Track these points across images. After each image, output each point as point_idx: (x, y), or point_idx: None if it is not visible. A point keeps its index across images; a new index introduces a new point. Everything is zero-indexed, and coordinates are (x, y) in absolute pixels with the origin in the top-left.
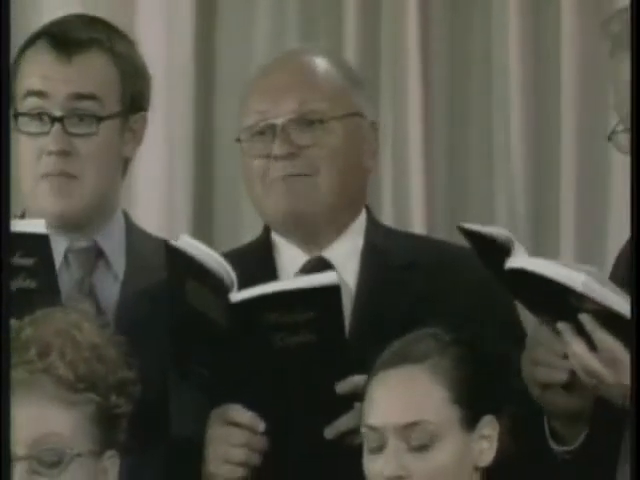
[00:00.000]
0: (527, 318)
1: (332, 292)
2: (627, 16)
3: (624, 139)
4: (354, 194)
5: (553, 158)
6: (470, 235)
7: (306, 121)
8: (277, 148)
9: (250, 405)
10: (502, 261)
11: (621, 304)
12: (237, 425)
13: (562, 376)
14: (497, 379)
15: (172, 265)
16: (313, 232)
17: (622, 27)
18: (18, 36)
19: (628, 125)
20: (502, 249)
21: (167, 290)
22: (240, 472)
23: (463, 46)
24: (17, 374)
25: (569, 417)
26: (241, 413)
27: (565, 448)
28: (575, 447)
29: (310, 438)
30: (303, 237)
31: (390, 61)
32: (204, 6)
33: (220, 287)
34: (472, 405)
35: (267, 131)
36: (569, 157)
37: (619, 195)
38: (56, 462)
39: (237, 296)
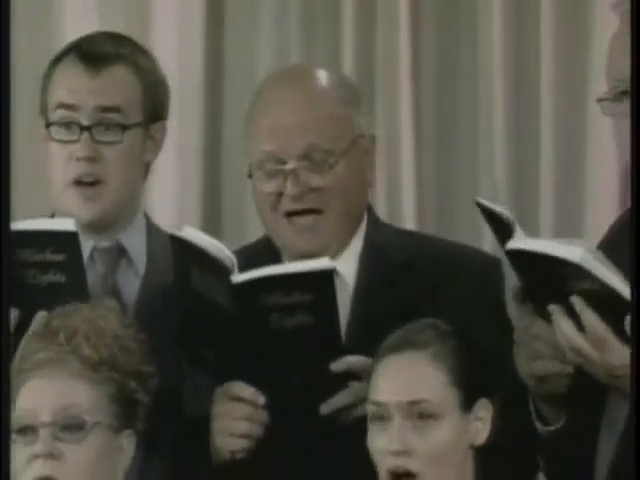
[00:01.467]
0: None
1: (326, 276)
2: None
3: (610, 106)
4: (359, 212)
5: (532, 160)
6: (484, 211)
7: (315, 163)
8: (289, 189)
9: (251, 381)
10: (506, 240)
11: (616, 281)
12: (239, 400)
13: (566, 368)
14: (490, 366)
15: (177, 253)
16: (321, 256)
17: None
18: (41, 50)
19: (615, 92)
20: (507, 229)
21: (174, 277)
22: (244, 444)
23: (450, 53)
24: (46, 354)
25: (555, 400)
26: (243, 388)
27: (549, 428)
28: (558, 427)
29: (307, 414)
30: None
31: (384, 66)
32: (213, 24)
33: (221, 270)
34: (469, 389)
35: (278, 173)
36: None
37: (596, 175)
38: (77, 429)
39: (238, 278)
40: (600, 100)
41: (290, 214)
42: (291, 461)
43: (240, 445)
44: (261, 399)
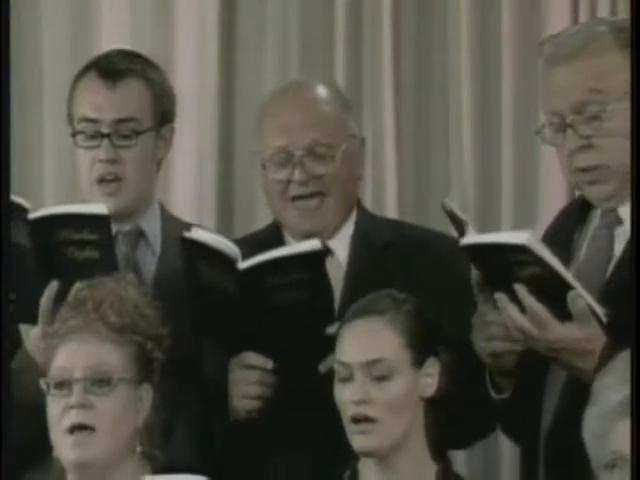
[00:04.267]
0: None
1: (318, 256)
2: (557, 39)
3: (549, 134)
4: (351, 201)
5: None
6: (446, 211)
7: (317, 155)
8: (297, 175)
9: (259, 351)
10: (462, 236)
11: (556, 262)
12: (251, 367)
13: (515, 347)
14: (438, 330)
15: (186, 252)
16: (321, 239)
17: (552, 49)
18: (75, 62)
19: (551, 124)
20: (463, 227)
21: (184, 273)
22: (257, 404)
23: (425, 72)
24: (77, 321)
25: (506, 374)
26: (253, 357)
27: (502, 396)
28: (509, 395)
29: (308, 373)
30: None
31: (370, 83)
32: (226, 45)
33: (226, 261)
34: (419, 349)
35: (287, 163)
36: (508, 148)
37: (548, 179)
38: (105, 384)
39: (243, 265)
40: (537, 132)
41: (295, 198)
42: (296, 414)
43: (253, 405)
44: (269, 365)
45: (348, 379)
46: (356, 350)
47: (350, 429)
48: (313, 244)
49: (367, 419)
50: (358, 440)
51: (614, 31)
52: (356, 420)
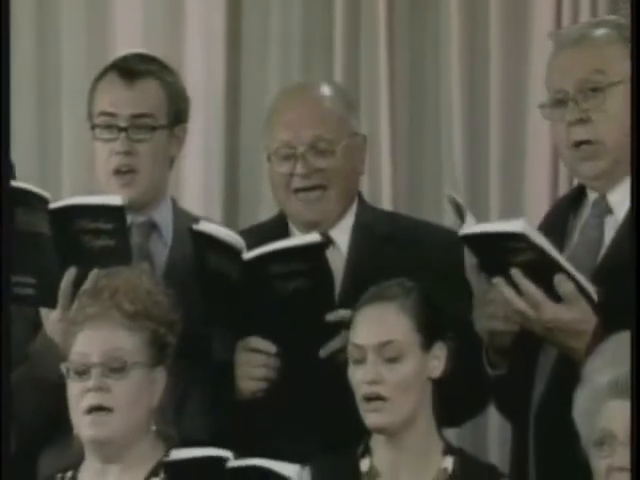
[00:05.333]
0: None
1: (318, 247)
2: (564, 30)
3: (550, 110)
4: (352, 193)
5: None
6: (451, 202)
7: (320, 150)
8: (299, 168)
9: (264, 335)
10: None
11: (550, 247)
12: (256, 351)
13: (514, 326)
14: (445, 317)
15: (195, 243)
16: (321, 228)
17: (559, 36)
18: (92, 65)
19: (553, 100)
20: (462, 216)
21: (193, 262)
22: (261, 385)
23: (418, 71)
24: (94, 309)
25: (502, 352)
26: (258, 341)
27: (497, 372)
28: (504, 371)
29: (310, 357)
30: (313, 230)
31: (367, 82)
32: (232, 47)
33: (232, 252)
34: (428, 333)
35: (291, 156)
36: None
37: (535, 155)
38: (120, 368)
39: (247, 255)
40: (541, 106)
41: (298, 190)
42: (299, 395)
43: (258, 386)
44: (273, 349)
45: (361, 361)
46: (369, 333)
47: (363, 407)
48: (313, 237)
49: (379, 397)
50: (371, 417)
51: (615, 27)
52: (369, 399)
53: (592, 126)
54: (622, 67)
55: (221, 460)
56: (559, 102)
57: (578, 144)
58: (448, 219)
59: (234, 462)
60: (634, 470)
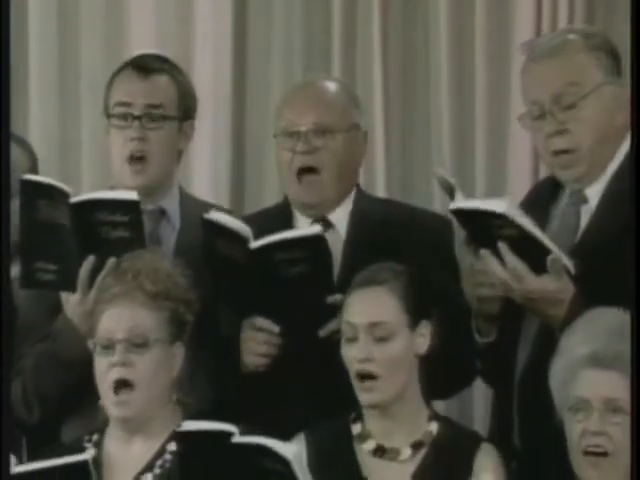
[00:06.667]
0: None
1: (318, 238)
2: (535, 42)
3: (528, 122)
4: (349, 182)
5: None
6: (439, 179)
7: (321, 131)
8: (300, 146)
9: (267, 316)
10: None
11: (531, 225)
12: (260, 329)
13: (498, 292)
14: (430, 297)
15: (206, 231)
16: (319, 210)
17: (532, 49)
18: (111, 67)
19: (531, 113)
20: (452, 192)
21: (204, 248)
22: (264, 361)
23: (410, 71)
24: (118, 289)
25: (490, 319)
26: (262, 321)
27: (485, 340)
28: (492, 339)
29: (309, 337)
30: (312, 211)
31: (363, 81)
32: (238, 48)
33: (240, 240)
34: (415, 313)
35: (294, 135)
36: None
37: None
38: (143, 344)
39: (254, 244)
40: (519, 118)
41: (299, 172)
42: (298, 370)
43: (261, 362)
44: (276, 328)
45: (353, 339)
46: (361, 313)
47: (356, 385)
48: (314, 229)
49: (371, 376)
50: (364, 396)
51: (584, 37)
52: (361, 377)
53: (569, 136)
54: (594, 76)
55: (227, 434)
56: (537, 114)
57: (557, 153)
58: (437, 206)
59: (239, 438)
60: (634, 471)
